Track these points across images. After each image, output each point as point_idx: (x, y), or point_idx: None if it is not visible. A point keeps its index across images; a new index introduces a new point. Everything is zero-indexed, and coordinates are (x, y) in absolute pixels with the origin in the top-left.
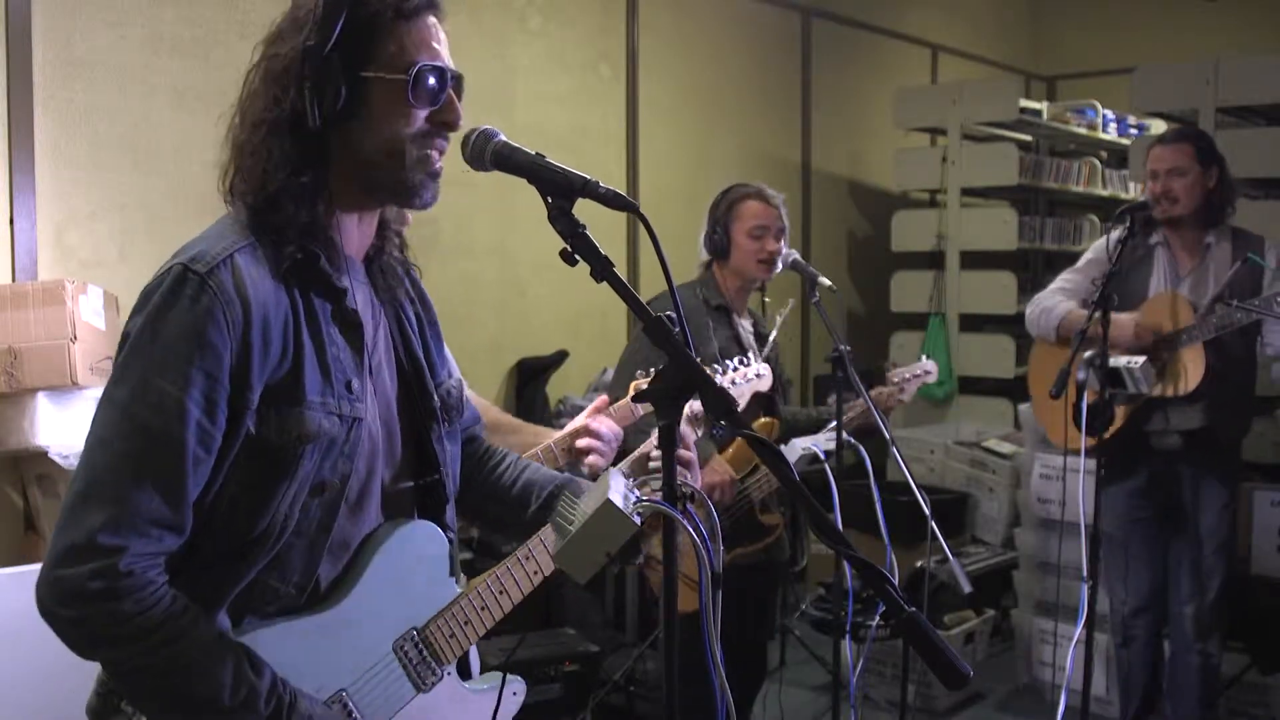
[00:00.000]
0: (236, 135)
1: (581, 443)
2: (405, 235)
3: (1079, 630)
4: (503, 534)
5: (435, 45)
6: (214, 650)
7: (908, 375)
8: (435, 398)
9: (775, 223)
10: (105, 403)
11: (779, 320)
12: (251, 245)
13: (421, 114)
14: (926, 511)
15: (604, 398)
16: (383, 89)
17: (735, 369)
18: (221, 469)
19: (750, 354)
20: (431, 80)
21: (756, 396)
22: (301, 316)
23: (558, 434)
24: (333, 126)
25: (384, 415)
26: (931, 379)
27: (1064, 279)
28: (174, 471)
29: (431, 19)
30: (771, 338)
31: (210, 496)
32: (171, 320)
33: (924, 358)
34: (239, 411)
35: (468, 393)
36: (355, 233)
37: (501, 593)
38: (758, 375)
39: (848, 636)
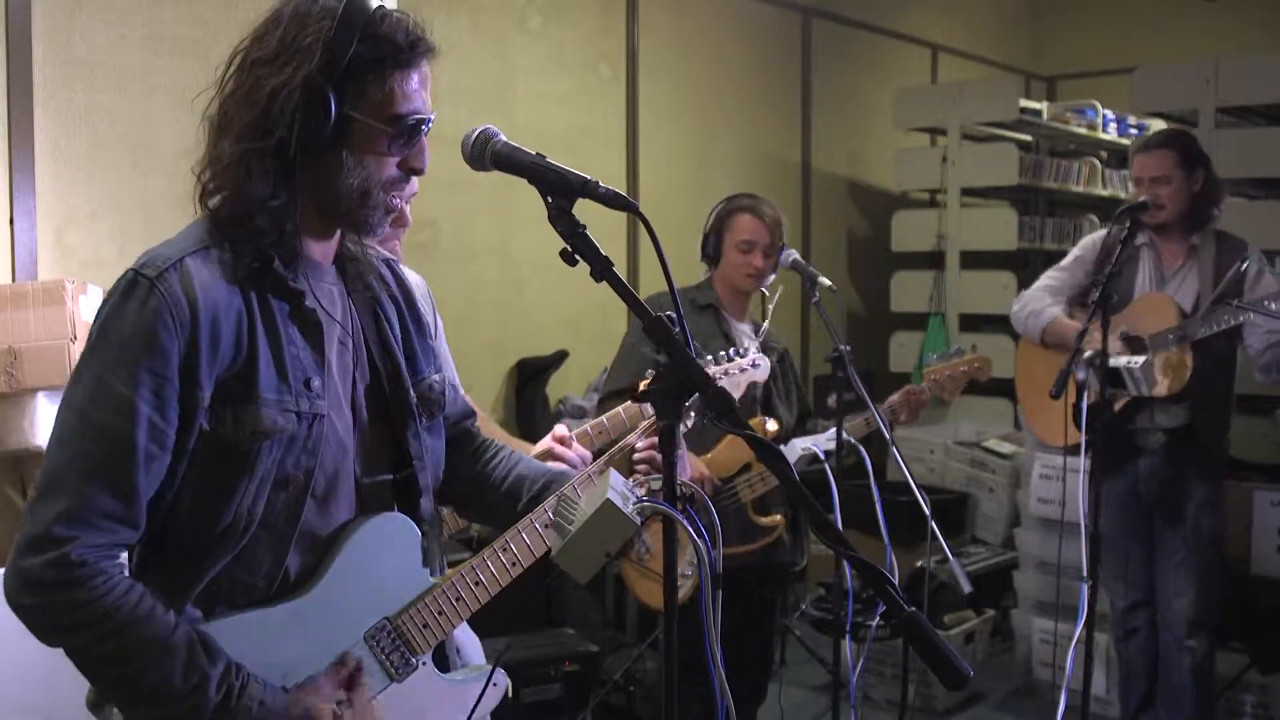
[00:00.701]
0: (215, 143)
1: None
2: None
3: (1079, 630)
4: (495, 525)
5: (424, 94)
6: (164, 638)
7: (946, 371)
8: (412, 394)
9: (764, 238)
10: (63, 404)
11: (769, 310)
12: (205, 250)
13: (395, 161)
14: (926, 511)
15: (562, 429)
16: (364, 131)
17: (730, 359)
18: (180, 465)
19: (746, 343)
20: (411, 131)
21: (757, 399)
22: (257, 316)
23: (532, 449)
24: (308, 155)
25: (354, 411)
26: (984, 372)
27: (1050, 276)
28: (125, 468)
29: (426, 67)
30: (764, 325)
31: (172, 494)
32: (122, 323)
33: (972, 348)
34: (190, 408)
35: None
36: (317, 246)
37: (477, 583)
38: (754, 365)
39: (848, 636)
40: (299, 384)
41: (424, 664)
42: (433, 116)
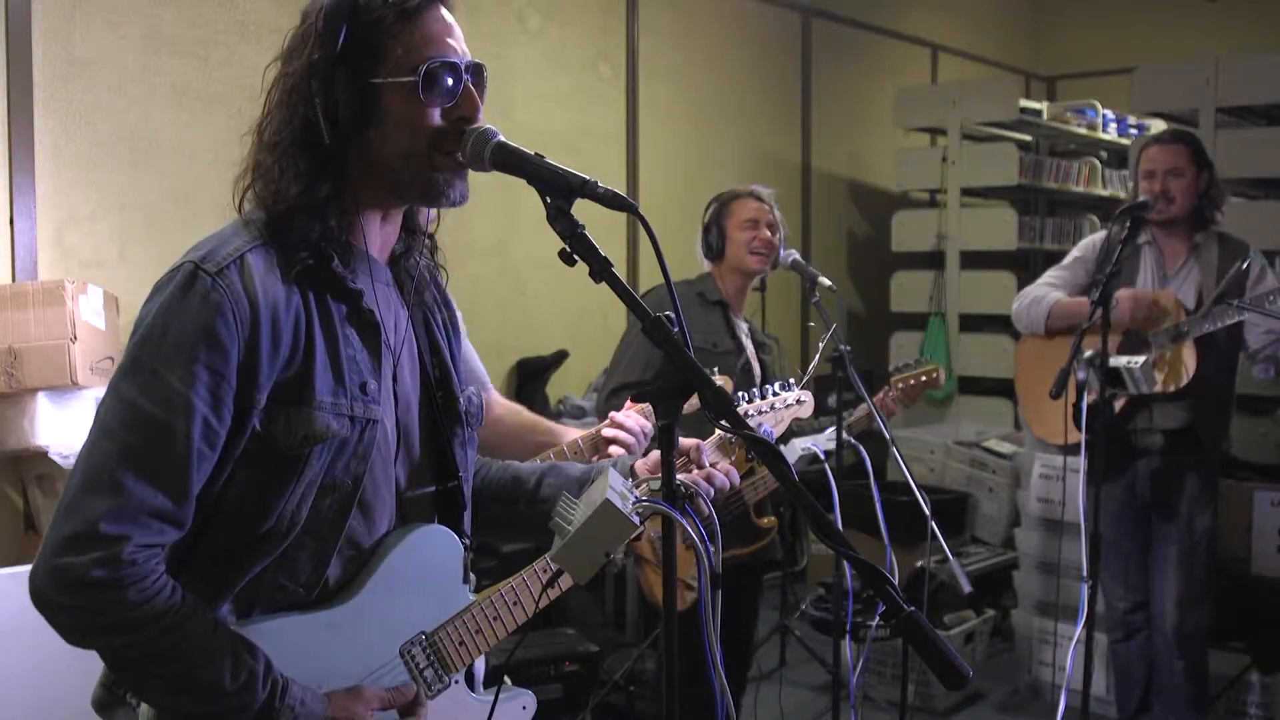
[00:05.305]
0: (255, 155)
1: (608, 432)
2: (436, 239)
3: (1079, 630)
4: (494, 532)
5: (447, 39)
6: (213, 637)
7: (911, 380)
8: (460, 402)
9: (766, 216)
10: (111, 395)
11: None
12: (264, 246)
13: (437, 112)
14: (926, 511)
15: (617, 414)
16: (395, 93)
17: (775, 393)
18: (227, 464)
19: (791, 380)
20: (443, 76)
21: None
22: (315, 316)
23: (585, 431)
24: (349, 138)
25: (403, 418)
26: (938, 384)
27: (1051, 275)
28: (178, 466)
29: (439, 13)
30: (812, 365)
31: (217, 490)
32: (181, 317)
33: (928, 357)
34: (245, 409)
35: (494, 395)
36: (378, 235)
37: (515, 604)
38: (798, 401)
39: (848, 636)
40: (355, 387)
41: (456, 682)
42: (467, 60)
